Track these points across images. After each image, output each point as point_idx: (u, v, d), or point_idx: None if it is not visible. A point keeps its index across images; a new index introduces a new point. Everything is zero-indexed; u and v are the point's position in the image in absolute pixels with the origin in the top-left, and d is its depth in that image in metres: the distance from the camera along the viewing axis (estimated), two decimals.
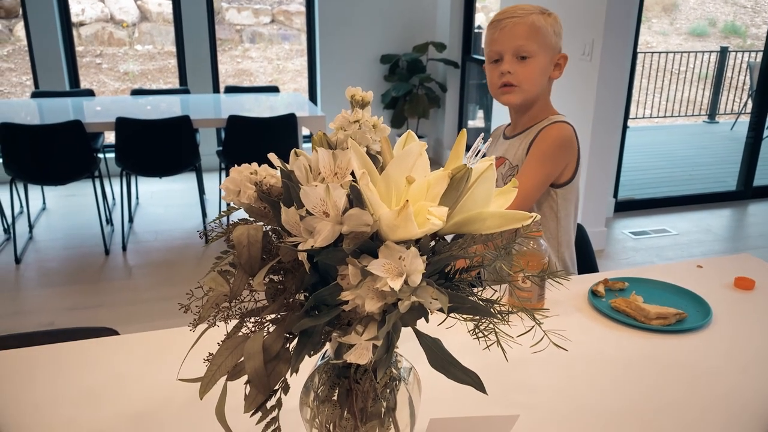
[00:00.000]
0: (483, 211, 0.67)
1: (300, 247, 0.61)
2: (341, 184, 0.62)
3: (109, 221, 4.12)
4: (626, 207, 4.46)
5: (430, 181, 0.64)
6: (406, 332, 0.68)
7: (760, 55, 4.65)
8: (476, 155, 0.70)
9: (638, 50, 4.22)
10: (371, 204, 0.61)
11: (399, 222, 0.59)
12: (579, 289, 1.34)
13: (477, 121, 5.73)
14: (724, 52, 8.11)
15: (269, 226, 0.70)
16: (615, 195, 4.37)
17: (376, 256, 0.60)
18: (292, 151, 0.67)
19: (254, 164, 0.71)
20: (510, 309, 0.68)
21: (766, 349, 1.13)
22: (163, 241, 3.87)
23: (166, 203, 4.54)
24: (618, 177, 4.35)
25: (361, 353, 0.61)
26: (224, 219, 0.79)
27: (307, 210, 0.60)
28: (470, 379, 0.69)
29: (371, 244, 0.62)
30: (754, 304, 1.31)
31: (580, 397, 0.99)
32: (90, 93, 4.53)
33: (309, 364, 0.75)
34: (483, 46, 1.46)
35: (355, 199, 0.61)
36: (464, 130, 0.71)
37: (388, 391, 0.75)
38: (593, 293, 1.30)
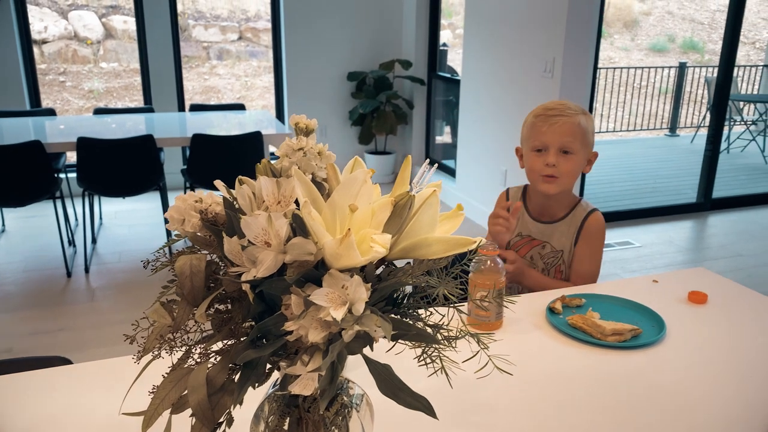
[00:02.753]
0: (428, 236, 0.68)
1: (243, 278, 0.60)
2: (285, 212, 0.61)
3: (72, 243, 4.04)
4: None
5: (375, 208, 0.65)
6: (360, 357, 0.68)
7: (717, 70, 4.80)
8: (422, 181, 0.71)
9: (601, 66, 4.31)
10: (314, 232, 0.61)
11: (341, 250, 0.59)
12: (537, 307, 1.35)
13: (444, 137, 5.78)
14: (682, 68, 8.33)
15: (215, 255, 0.69)
16: None
17: (321, 285, 0.60)
18: (237, 179, 0.67)
19: (200, 192, 0.71)
20: (457, 334, 0.68)
21: (718, 363, 1.16)
22: (128, 262, 3.80)
23: (131, 223, 4.47)
24: (582, 190, 4.41)
25: (306, 384, 0.60)
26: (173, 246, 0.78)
27: (249, 240, 0.59)
28: (420, 404, 0.69)
29: (316, 272, 0.61)
30: (706, 317, 1.33)
31: (537, 415, 0.99)
32: (51, 112, 4.44)
33: (259, 392, 0.74)
34: (525, 132, 1.60)
35: (298, 227, 0.60)
36: (409, 156, 0.71)
37: (340, 418, 0.74)
38: (551, 310, 1.31)
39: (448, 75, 5.38)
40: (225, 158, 3.56)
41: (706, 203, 4.90)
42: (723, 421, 0.99)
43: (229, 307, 0.68)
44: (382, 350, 0.76)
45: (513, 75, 3.95)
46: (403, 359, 0.77)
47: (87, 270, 3.66)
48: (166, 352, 0.68)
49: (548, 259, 1.63)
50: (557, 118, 1.52)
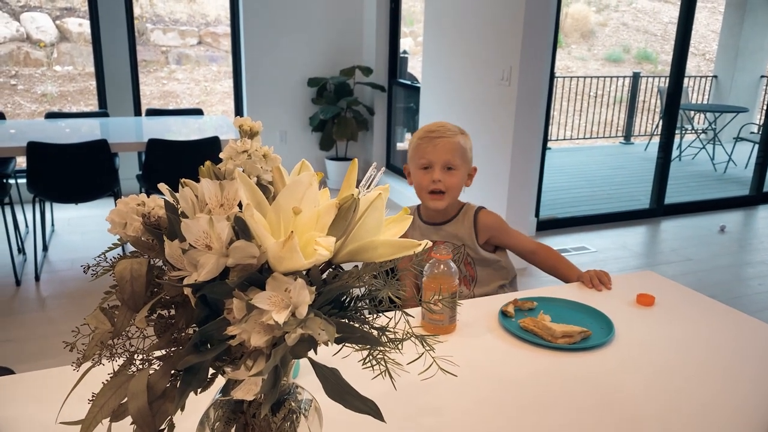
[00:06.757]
0: (374, 239, 0.68)
1: (184, 282, 0.59)
2: (227, 215, 0.61)
3: (21, 250, 3.91)
4: (548, 226, 4.60)
5: (320, 211, 0.65)
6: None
7: (668, 80, 4.95)
8: (369, 185, 0.71)
9: (559, 75, 4.40)
10: (257, 235, 0.60)
11: (284, 253, 0.59)
12: (490, 310, 1.37)
13: (405, 143, 5.81)
14: (636, 77, 8.56)
15: (159, 260, 0.68)
16: (537, 214, 4.51)
17: (265, 289, 0.60)
18: (180, 182, 0.66)
19: (142, 195, 0.69)
20: (404, 336, 0.68)
21: (665, 364, 1.19)
22: (80, 269, 3.68)
23: (84, 230, 4.35)
24: (539, 197, 4.49)
25: (249, 389, 0.60)
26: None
27: (190, 243, 0.58)
28: (368, 407, 0.69)
29: (260, 276, 0.61)
30: (653, 319, 1.37)
31: (488, 418, 1.00)
32: (1, 116, 4.30)
33: (206, 399, 0.73)
34: (411, 152, 1.72)
35: (241, 230, 0.60)
36: (355, 159, 0.71)
37: (287, 424, 0.74)
38: (503, 313, 1.33)
39: (409, 82, 5.41)
40: (181, 164, 3.50)
41: (658, 209, 5.04)
42: (670, 419, 1.01)
43: (173, 312, 0.67)
44: (329, 354, 0.76)
45: (472, 83, 4.00)
46: (350, 363, 0.76)
47: (37, 278, 3.55)
48: (107, 359, 0.66)
49: (455, 256, 1.71)
50: (439, 139, 1.66)
